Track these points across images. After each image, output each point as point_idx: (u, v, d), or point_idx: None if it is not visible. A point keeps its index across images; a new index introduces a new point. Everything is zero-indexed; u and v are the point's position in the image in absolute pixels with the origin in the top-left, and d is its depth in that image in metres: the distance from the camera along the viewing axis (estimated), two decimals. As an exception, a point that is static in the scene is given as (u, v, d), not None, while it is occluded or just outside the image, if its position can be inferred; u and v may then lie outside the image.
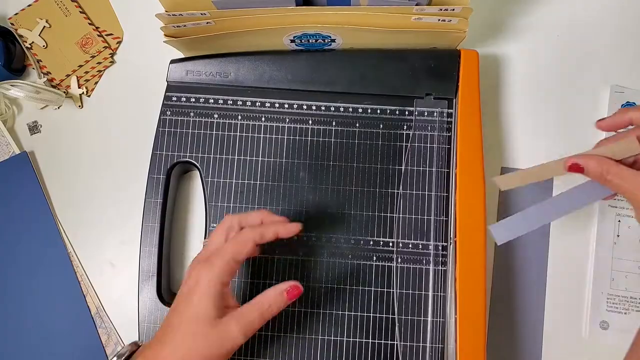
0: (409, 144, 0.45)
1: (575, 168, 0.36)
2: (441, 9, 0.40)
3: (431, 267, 0.43)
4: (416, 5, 0.40)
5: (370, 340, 0.42)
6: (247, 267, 0.44)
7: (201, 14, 0.42)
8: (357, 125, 0.46)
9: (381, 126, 0.46)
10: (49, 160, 0.51)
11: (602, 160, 0.35)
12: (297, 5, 0.41)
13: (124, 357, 0.35)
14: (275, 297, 0.35)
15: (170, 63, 0.47)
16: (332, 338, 0.42)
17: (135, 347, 0.36)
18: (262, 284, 0.43)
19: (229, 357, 0.33)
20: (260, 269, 0.44)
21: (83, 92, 0.52)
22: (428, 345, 0.42)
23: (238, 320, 0.33)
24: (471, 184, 0.43)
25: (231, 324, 0.33)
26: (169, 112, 0.46)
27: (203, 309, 0.33)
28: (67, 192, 0.50)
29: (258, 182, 0.45)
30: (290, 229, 0.36)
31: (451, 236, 0.43)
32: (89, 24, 0.53)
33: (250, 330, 0.33)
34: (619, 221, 0.47)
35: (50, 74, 0.52)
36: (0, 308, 0.46)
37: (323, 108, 0.46)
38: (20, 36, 0.52)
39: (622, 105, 0.49)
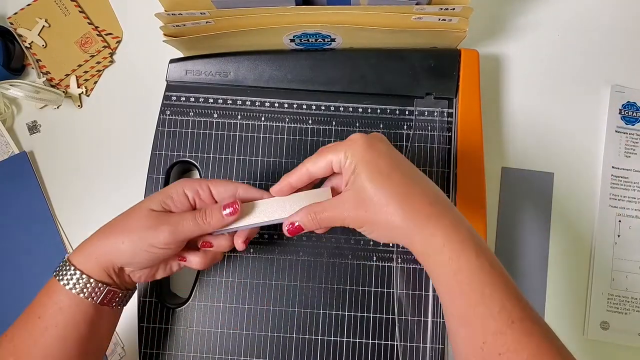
0: (409, 144, 0.45)
1: (297, 230, 0.35)
2: (441, 9, 0.40)
3: (431, 267, 0.43)
4: (416, 4, 0.40)
5: (370, 341, 0.42)
6: (247, 267, 0.44)
7: (200, 14, 0.41)
8: (357, 125, 0.46)
9: (381, 126, 0.46)
10: (48, 160, 0.50)
11: (307, 211, 0.35)
12: (296, 5, 0.41)
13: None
14: (215, 209, 0.35)
15: (169, 62, 0.47)
16: (332, 338, 0.42)
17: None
18: (262, 284, 0.43)
19: (154, 252, 0.34)
20: (260, 269, 0.44)
21: (82, 92, 0.51)
22: (428, 345, 0.42)
23: (170, 217, 0.35)
24: (472, 184, 0.43)
25: (162, 217, 0.35)
26: (168, 112, 0.46)
27: (147, 205, 0.35)
28: (66, 192, 0.50)
29: (258, 182, 0.45)
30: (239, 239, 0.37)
31: None
32: (88, 23, 0.53)
33: (180, 230, 0.35)
34: (620, 221, 0.47)
35: (50, 73, 0.52)
36: (1, 308, 0.46)
37: (323, 108, 0.46)
38: (20, 36, 0.52)
39: (622, 105, 0.49)
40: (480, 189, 0.43)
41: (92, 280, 0.34)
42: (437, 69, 0.46)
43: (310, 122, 0.46)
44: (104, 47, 0.52)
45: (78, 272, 0.34)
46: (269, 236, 0.44)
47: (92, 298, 0.34)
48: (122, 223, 0.36)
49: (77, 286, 0.34)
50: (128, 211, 0.36)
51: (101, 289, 0.35)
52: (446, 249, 0.31)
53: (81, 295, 0.34)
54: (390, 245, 0.44)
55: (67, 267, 0.34)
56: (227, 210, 0.35)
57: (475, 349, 0.30)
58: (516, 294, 0.30)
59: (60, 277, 0.34)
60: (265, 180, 0.45)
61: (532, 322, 0.30)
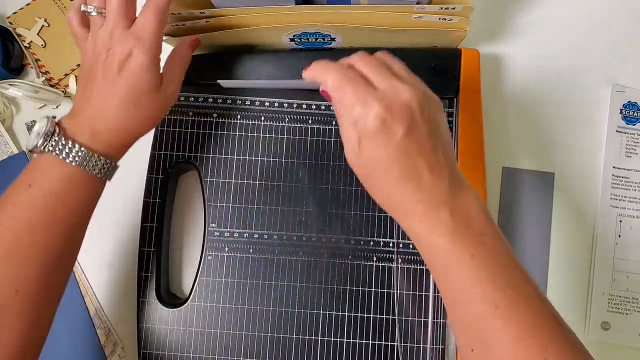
0: (409, 144, 0.45)
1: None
2: (442, 8, 0.40)
3: (432, 268, 0.43)
4: (417, 3, 0.40)
5: (370, 342, 0.42)
6: (246, 268, 0.43)
7: (200, 13, 0.41)
8: (357, 124, 0.46)
9: (381, 126, 0.45)
10: (47, 160, 0.50)
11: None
12: (296, 4, 0.41)
13: (47, 133, 0.33)
14: (183, 48, 0.40)
15: (169, 62, 0.47)
16: (332, 339, 0.42)
17: (54, 122, 0.34)
18: (262, 284, 0.43)
19: (152, 94, 0.36)
20: (260, 270, 0.43)
21: (82, 92, 0.51)
22: (429, 346, 0.42)
23: (172, 80, 0.38)
24: (472, 184, 0.43)
25: (170, 87, 0.37)
26: (167, 112, 0.46)
27: (147, 83, 0.35)
28: (65, 192, 0.49)
29: (257, 182, 0.45)
30: None
31: None
32: (88, 23, 0.53)
33: (179, 84, 0.39)
34: (621, 221, 0.47)
35: (49, 73, 0.52)
36: None
37: (323, 107, 0.46)
38: (19, 35, 0.52)
39: (623, 105, 0.49)
40: (481, 187, 0.43)
41: (97, 155, 0.34)
42: (437, 69, 0.46)
43: (310, 121, 0.46)
44: (104, 46, 0.52)
45: (84, 148, 0.33)
46: (268, 236, 0.44)
47: (98, 172, 0.34)
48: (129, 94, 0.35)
49: (81, 160, 0.33)
50: (129, 82, 0.35)
51: (108, 162, 0.35)
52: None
53: (82, 167, 0.33)
54: (390, 245, 0.44)
55: (69, 144, 0.33)
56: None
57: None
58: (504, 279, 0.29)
59: (60, 152, 0.32)
60: (265, 180, 0.45)
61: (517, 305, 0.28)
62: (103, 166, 0.34)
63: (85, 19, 0.37)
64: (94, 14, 0.36)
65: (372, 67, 0.32)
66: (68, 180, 0.33)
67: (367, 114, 0.29)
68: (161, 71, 0.37)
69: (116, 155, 0.36)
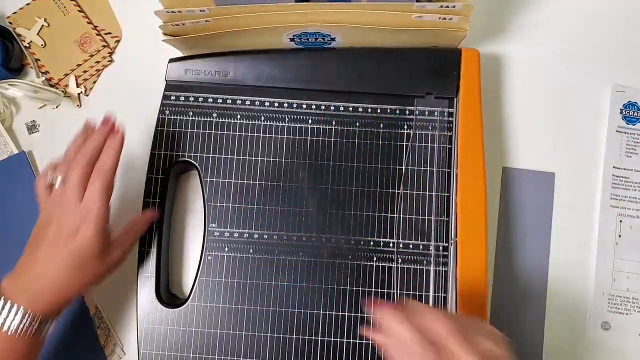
0: (409, 144, 0.45)
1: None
2: (442, 6, 0.40)
3: (432, 268, 0.43)
4: (417, 2, 0.40)
5: (370, 342, 0.42)
6: (246, 268, 0.43)
7: (200, 11, 0.41)
8: (357, 124, 0.46)
9: (381, 126, 0.46)
10: (47, 159, 0.50)
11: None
12: (296, 3, 0.41)
13: None
14: (141, 221, 0.42)
15: (168, 62, 0.47)
16: (332, 339, 0.42)
17: None
18: (262, 284, 0.43)
19: (94, 260, 0.38)
20: (260, 270, 0.43)
21: (81, 92, 0.51)
22: (428, 346, 0.42)
23: (120, 247, 0.40)
24: (472, 184, 0.43)
25: (116, 253, 0.39)
26: (167, 112, 0.46)
27: (92, 252, 0.37)
28: (65, 192, 0.49)
29: (257, 182, 0.45)
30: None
31: (452, 236, 0.43)
32: (88, 22, 0.53)
33: (128, 251, 0.41)
34: (621, 221, 0.47)
35: (49, 73, 0.52)
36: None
37: (323, 107, 0.46)
38: (19, 35, 0.52)
39: (623, 105, 0.49)
40: (481, 188, 0.43)
41: (37, 315, 0.35)
42: (437, 69, 0.46)
43: (310, 121, 0.46)
44: (103, 46, 0.52)
45: (22, 310, 0.35)
46: (268, 236, 0.44)
47: (31, 334, 0.35)
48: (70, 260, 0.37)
49: (15, 327, 0.35)
50: (75, 251, 0.37)
51: (43, 323, 0.36)
52: None
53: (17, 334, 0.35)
54: (390, 245, 0.44)
55: (7, 305, 0.35)
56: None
57: None
58: None
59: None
60: (265, 180, 0.45)
61: None
62: (40, 327, 0.36)
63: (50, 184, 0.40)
64: (56, 186, 0.39)
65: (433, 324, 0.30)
66: (3, 342, 0.35)
67: None
68: (112, 236, 0.40)
69: (53, 315, 0.37)
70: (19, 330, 0.34)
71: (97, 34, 0.52)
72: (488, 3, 0.51)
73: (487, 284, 0.42)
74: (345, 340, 0.42)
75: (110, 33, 0.53)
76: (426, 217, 0.44)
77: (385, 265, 0.43)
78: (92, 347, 0.46)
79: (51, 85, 0.51)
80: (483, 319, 0.41)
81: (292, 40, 0.45)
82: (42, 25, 0.52)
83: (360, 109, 0.46)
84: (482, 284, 0.41)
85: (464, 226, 0.42)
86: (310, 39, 0.45)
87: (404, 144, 0.45)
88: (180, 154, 0.45)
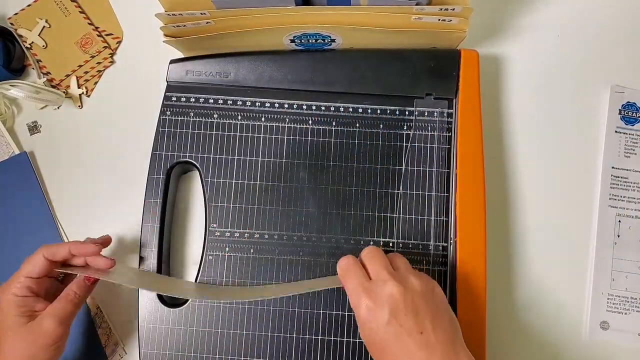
0: (409, 144, 0.45)
1: None
2: (441, 9, 0.40)
3: (431, 268, 0.43)
4: (416, 5, 0.40)
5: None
6: (247, 268, 0.44)
7: (201, 14, 0.42)
8: (357, 125, 0.46)
9: (381, 126, 0.46)
10: (48, 160, 0.50)
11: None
12: (296, 5, 0.41)
13: None
14: (77, 284, 0.40)
15: (170, 63, 0.47)
16: (332, 339, 0.42)
17: None
18: (263, 284, 0.43)
19: (57, 345, 0.38)
20: (260, 269, 0.44)
21: (83, 92, 0.52)
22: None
23: (50, 315, 0.38)
24: (471, 184, 0.43)
25: (44, 320, 0.37)
26: (168, 112, 0.46)
27: (10, 323, 0.37)
28: (66, 193, 0.50)
29: (258, 182, 0.45)
30: (83, 248, 0.40)
31: (451, 236, 0.43)
32: (89, 24, 0.53)
33: (66, 316, 0.38)
34: (620, 221, 0.47)
35: (50, 74, 0.52)
36: (-1, 308, 0.46)
37: (323, 108, 0.46)
38: (20, 36, 0.52)
39: (622, 106, 0.49)
40: (480, 188, 0.43)
41: None
42: (436, 70, 0.46)
43: (310, 122, 0.46)
44: (104, 47, 0.52)
45: None
46: (269, 236, 0.44)
47: None
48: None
49: None
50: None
51: None
52: None
53: None
54: (390, 245, 0.44)
55: None
56: (90, 280, 0.41)
57: None
58: None
59: None
60: (265, 180, 0.45)
61: None
62: None
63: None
64: None
65: (373, 263, 0.37)
66: None
67: (358, 303, 0.35)
68: (46, 305, 0.39)
69: None
70: None
71: (98, 35, 0.53)
72: (487, 4, 0.51)
73: (486, 284, 0.42)
74: (345, 339, 0.42)
75: (111, 34, 0.53)
76: (425, 217, 0.44)
77: (385, 265, 0.43)
78: (93, 347, 0.46)
79: (52, 86, 0.52)
80: (482, 318, 0.41)
81: (292, 41, 0.45)
82: (44, 26, 0.53)
83: (360, 110, 0.46)
84: (481, 284, 0.42)
85: (463, 226, 0.43)
86: (310, 41, 0.45)
87: (404, 144, 0.45)
88: (182, 154, 0.45)
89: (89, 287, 0.41)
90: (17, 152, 0.50)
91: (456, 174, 0.44)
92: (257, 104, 0.46)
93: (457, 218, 0.43)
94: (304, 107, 0.46)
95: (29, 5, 0.53)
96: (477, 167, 0.44)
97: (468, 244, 0.42)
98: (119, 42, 0.53)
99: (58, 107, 0.52)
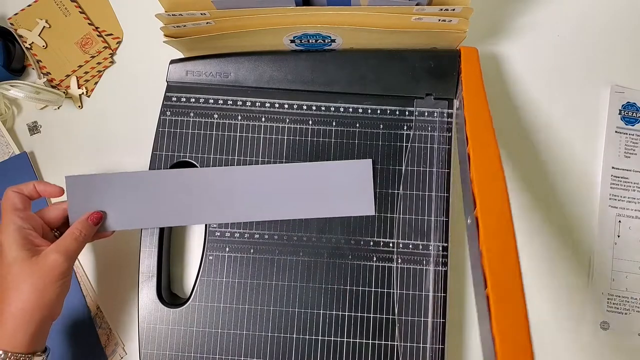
0: (409, 145, 0.45)
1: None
2: (441, 9, 0.40)
3: (431, 268, 0.43)
4: (416, 5, 0.40)
5: (370, 341, 0.42)
6: (247, 268, 0.44)
7: (201, 14, 0.42)
8: (357, 125, 0.46)
9: (381, 126, 0.46)
10: (48, 160, 0.51)
11: None
12: (297, 5, 0.41)
13: None
14: (82, 223, 0.40)
15: (170, 63, 0.47)
16: (332, 339, 0.42)
17: None
18: (263, 284, 0.43)
19: (64, 280, 0.38)
20: (260, 270, 0.44)
21: (83, 93, 0.52)
22: (428, 345, 0.42)
23: (56, 249, 0.37)
24: (492, 182, 0.37)
25: (50, 254, 0.37)
26: (168, 113, 0.46)
27: (14, 257, 0.36)
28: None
29: (258, 183, 0.45)
30: (48, 187, 0.41)
31: (471, 210, 0.37)
32: (89, 24, 0.53)
33: (71, 252, 0.38)
34: (620, 221, 0.47)
35: (50, 74, 0.52)
36: None
37: (323, 108, 0.46)
38: (20, 36, 0.52)
39: (622, 106, 0.49)
40: (501, 187, 0.36)
41: (14, 355, 0.35)
42: (437, 70, 0.46)
43: (310, 122, 0.46)
44: (105, 47, 0.52)
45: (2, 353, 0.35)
46: (269, 236, 0.44)
47: None
48: (18, 290, 0.36)
49: None
50: (4, 276, 0.36)
51: (23, 358, 0.36)
52: None
53: None
54: (390, 245, 0.44)
55: None
56: (93, 220, 0.41)
57: None
58: None
59: None
60: (266, 181, 0.45)
61: None
62: None
63: None
64: None
65: None
66: None
67: None
68: (48, 244, 0.39)
69: (26, 348, 0.36)
70: None
71: (98, 35, 0.53)
72: (487, 4, 0.51)
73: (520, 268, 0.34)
74: (345, 339, 0.42)
75: (111, 34, 0.53)
76: (426, 218, 0.44)
77: (385, 265, 0.43)
78: (93, 347, 0.46)
79: (53, 87, 0.52)
80: (519, 292, 0.33)
81: (292, 41, 0.45)
82: (44, 27, 0.53)
83: (360, 110, 0.46)
84: (513, 255, 0.34)
85: (491, 235, 0.35)
86: (310, 41, 0.45)
87: (404, 144, 0.45)
88: (182, 154, 0.45)
89: (92, 227, 0.40)
90: (17, 152, 0.50)
91: (468, 153, 0.39)
92: (257, 104, 0.46)
93: (476, 193, 0.36)
94: (304, 107, 0.46)
95: (29, 6, 0.53)
96: (494, 156, 0.38)
97: (498, 246, 0.35)
98: (119, 42, 0.53)
99: (58, 107, 0.52)
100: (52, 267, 0.36)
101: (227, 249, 0.44)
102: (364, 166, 0.43)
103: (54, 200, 0.40)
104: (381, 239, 0.44)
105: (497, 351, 0.29)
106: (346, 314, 0.43)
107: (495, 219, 0.35)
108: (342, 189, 0.44)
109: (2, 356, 0.35)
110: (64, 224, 0.42)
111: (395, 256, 0.43)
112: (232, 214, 0.43)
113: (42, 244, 0.38)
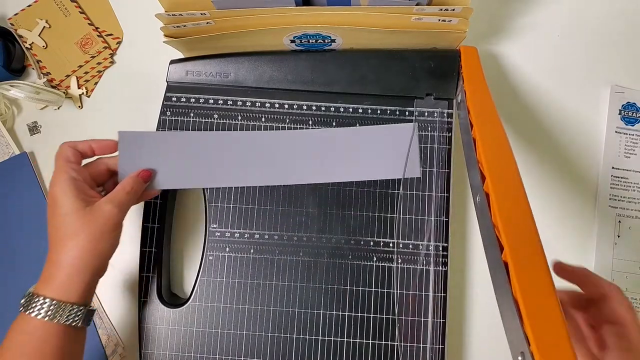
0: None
1: None
2: (441, 9, 0.40)
3: (431, 268, 0.43)
4: (416, 5, 0.40)
5: (370, 341, 0.42)
6: (247, 268, 0.44)
7: (201, 14, 0.42)
8: (357, 125, 0.46)
9: (381, 126, 0.46)
10: (48, 160, 0.50)
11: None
12: (297, 6, 0.41)
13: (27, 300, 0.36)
14: (133, 179, 0.40)
15: (170, 63, 0.47)
16: (332, 339, 0.42)
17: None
18: (263, 284, 0.43)
19: (117, 232, 0.38)
20: (260, 270, 0.44)
21: (83, 93, 0.52)
22: (428, 346, 0.42)
23: (109, 200, 0.38)
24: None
25: (104, 205, 0.37)
26: (168, 113, 0.46)
27: (69, 207, 0.36)
28: (67, 193, 0.50)
29: (258, 183, 0.45)
30: (102, 142, 0.41)
31: (480, 187, 0.35)
32: (89, 24, 0.53)
33: (123, 205, 0.38)
34: (620, 222, 0.47)
35: (50, 74, 0.52)
36: (0, 309, 0.46)
37: (323, 108, 0.46)
38: (20, 36, 0.52)
39: (622, 106, 0.49)
40: (517, 183, 0.35)
41: (69, 305, 0.35)
42: (437, 70, 0.46)
43: (310, 122, 0.46)
44: (105, 47, 0.52)
45: (48, 300, 0.34)
46: (269, 236, 0.44)
47: (68, 321, 0.35)
48: (74, 236, 0.36)
49: (50, 313, 0.34)
50: (58, 226, 0.37)
51: (75, 309, 0.35)
52: None
53: (55, 320, 0.34)
54: (390, 245, 0.44)
55: (42, 301, 0.35)
56: (144, 177, 0.41)
57: None
58: None
59: (37, 312, 0.34)
60: (266, 181, 0.45)
61: None
62: (71, 313, 0.35)
63: None
64: None
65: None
66: (44, 333, 0.35)
67: None
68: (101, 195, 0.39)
69: (82, 299, 0.36)
70: (55, 319, 0.34)
71: (98, 35, 0.53)
72: (487, 4, 0.51)
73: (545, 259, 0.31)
74: (345, 339, 0.42)
75: (111, 34, 0.53)
76: (426, 218, 0.44)
77: (385, 265, 0.43)
78: (93, 347, 0.46)
79: (53, 87, 0.52)
80: (542, 262, 0.31)
81: (292, 41, 0.45)
82: (44, 27, 0.53)
83: (360, 110, 0.46)
84: (529, 222, 0.33)
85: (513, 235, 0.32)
86: (310, 41, 0.45)
87: (404, 144, 0.45)
88: (181, 154, 0.45)
89: (142, 183, 0.41)
90: (17, 152, 0.50)
91: (473, 138, 0.38)
92: (257, 104, 0.46)
93: (486, 172, 0.35)
94: (304, 107, 0.46)
95: (29, 6, 0.53)
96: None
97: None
98: (119, 42, 0.53)
99: (58, 108, 0.52)
100: (107, 218, 0.37)
101: (227, 249, 0.44)
102: (407, 129, 0.44)
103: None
104: (381, 239, 0.44)
105: (522, 316, 0.28)
106: (346, 314, 0.43)
107: (506, 187, 0.34)
108: (387, 152, 0.44)
109: (56, 305, 0.35)
110: (108, 180, 0.42)
111: (395, 256, 0.43)
112: (280, 177, 0.44)
113: (95, 196, 0.38)
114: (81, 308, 0.36)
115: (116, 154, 0.42)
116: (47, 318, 0.34)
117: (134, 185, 0.39)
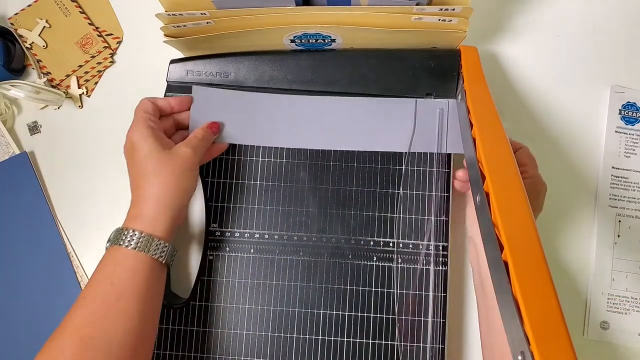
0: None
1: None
2: (441, 9, 0.40)
3: (431, 268, 0.43)
4: (416, 5, 0.40)
5: (370, 341, 0.42)
6: (247, 268, 0.44)
7: (201, 14, 0.42)
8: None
9: (381, 126, 0.46)
10: (48, 160, 0.50)
11: None
12: (297, 5, 0.41)
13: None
14: (203, 129, 0.43)
15: (170, 63, 0.47)
16: (332, 338, 0.42)
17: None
18: (263, 284, 0.43)
19: (195, 172, 0.41)
20: (260, 269, 0.44)
21: (83, 92, 0.52)
22: (428, 345, 0.42)
23: (186, 144, 0.40)
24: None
25: (181, 148, 0.40)
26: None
27: (149, 149, 0.39)
28: (66, 193, 0.50)
29: (258, 182, 0.45)
30: (178, 99, 0.44)
31: (480, 187, 0.35)
32: (89, 24, 0.53)
33: (198, 149, 0.41)
34: (620, 221, 0.47)
35: (50, 74, 0.52)
36: (0, 309, 0.46)
37: (323, 108, 0.46)
38: (20, 36, 0.52)
39: (622, 106, 0.49)
40: (516, 183, 0.34)
41: (156, 238, 0.37)
42: (437, 70, 0.46)
43: (310, 122, 0.46)
44: (105, 47, 0.52)
45: (137, 232, 0.37)
46: (269, 236, 0.44)
47: (156, 254, 0.37)
48: (161, 178, 0.38)
49: (140, 245, 0.36)
50: (140, 167, 0.39)
51: (162, 244, 0.37)
52: None
53: (145, 251, 0.36)
54: (390, 245, 0.44)
55: (131, 233, 0.37)
56: (212, 128, 0.44)
57: None
58: None
59: (128, 243, 0.36)
60: (265, 181, 0.45)
61: None
62: (158, 247, 0.37)
63: None
64: None
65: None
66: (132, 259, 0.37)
67: None
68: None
69: (167, 234, 0.38)
70: (145, 250, 0.36)
71: (98, 35, 0.53)
72: (487, 4, 0.51)
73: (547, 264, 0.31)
74: (345, 339, 0.42)
75: (111, 34, 0.53)
76: (426, 217, 0.44)
77: (385, 265, 0.43)
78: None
79: (53, 86, 0.52)
80: (541, 258, 0.31)
81: (292, 41, 0.45)
82: (44, 27, 0.53)
83: (360, 110, 0.46)
84: (529, 220, 0.32)
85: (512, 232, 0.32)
86: (310, 41, 0.45)
87: (404, 144, 0.45)
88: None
89: (211, 134, 0.43)
90: (17, 152, 0.50)
91: (472, 135, 0.38)
92: (257, 104, 0.46)
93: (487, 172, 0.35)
94: (304, 107, 0.46)
95: (29, 5, 0.53)
96: (497, 126, 0.38)
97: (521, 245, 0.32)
98: (119, 42, 0.53)
99: (58, 107, 0.52)
100: (185, 158, 0.39)
101: (227, 248, 0.44)
102: (408, 105, 0.45)
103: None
104: (381, 239, 0.44)
105: (522, 315, 0.28)
106: (346, 313, 0.43)
107: (506, 186, 0.34)
108: (385, 124, 0.45)
109: (146, 238, 0.37)
110: (176, 133, 0.45)
111: (395, 256, 0.43)
112: (331, 141, 0.45)
113: (170, 143, 0.41)
114: (166, 244, 0.38)
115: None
116: (137, 249, 0.36)
117: (204, 134, 0.42)
